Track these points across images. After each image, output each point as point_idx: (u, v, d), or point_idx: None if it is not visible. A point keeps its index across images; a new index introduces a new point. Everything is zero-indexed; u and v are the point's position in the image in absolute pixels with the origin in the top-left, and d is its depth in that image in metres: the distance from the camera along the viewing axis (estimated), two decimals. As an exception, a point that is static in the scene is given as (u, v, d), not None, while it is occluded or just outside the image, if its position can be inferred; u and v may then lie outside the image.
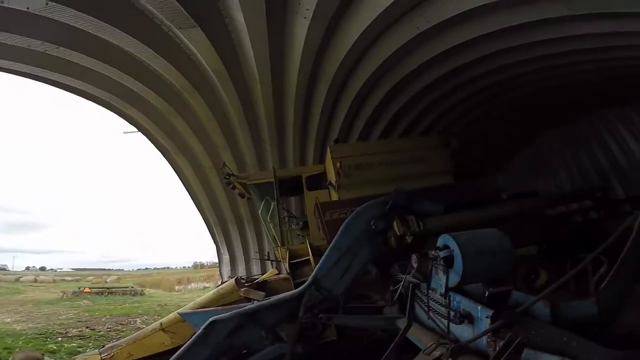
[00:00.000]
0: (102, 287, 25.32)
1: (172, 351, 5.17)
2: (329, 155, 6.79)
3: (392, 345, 2.68)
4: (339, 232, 3.99)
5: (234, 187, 7.85)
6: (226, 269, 12.75)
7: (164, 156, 11.20)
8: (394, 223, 5.09)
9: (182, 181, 11.67)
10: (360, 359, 5.05)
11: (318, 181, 7.33)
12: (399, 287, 3.32)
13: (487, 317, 2.17)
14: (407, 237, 5.33)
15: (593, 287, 2.26)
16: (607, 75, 7.94)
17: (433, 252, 2.65)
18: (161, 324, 5.56)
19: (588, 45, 6.64)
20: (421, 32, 6.52)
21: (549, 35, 6.34)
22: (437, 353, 2.31)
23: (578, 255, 2.78)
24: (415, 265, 2.81)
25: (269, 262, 10.76)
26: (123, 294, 22.76)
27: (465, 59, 7.50)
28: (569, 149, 12.74)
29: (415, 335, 2.88)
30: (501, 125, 11.72)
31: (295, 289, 4.35)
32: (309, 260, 5.58)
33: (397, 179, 6.52)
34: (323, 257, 3.97)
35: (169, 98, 8.92)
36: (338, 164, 6.33)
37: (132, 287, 25.43)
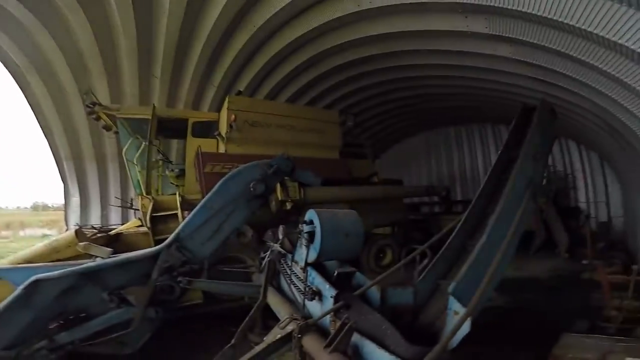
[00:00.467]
0: None
1: None
2: (225, 105, 6.35)
3: (246, 319, 2.64)
4: (213, 189, 3.65)
5: (98, 118, 6.52)
6: (74, 215, 10.54)
7: (12, 75, 8.43)
8: (277, 188, 5.12)
9: (30, 105, 9.00)
10: (228, 323, 5.10)
11: (207, 129, 6.70)
12: (267, 255, 3.29)
13: (331, 296, 2.31)
14: (287, 203, 5.45)
15: (416, 277, 2.63)
16: (474, 97, 9.54)
17: (300, 226, 2.66)
18: None
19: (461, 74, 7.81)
20: (362, 10, 6.38)
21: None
22: (289, 328, 2.34)
23: (412, 246, 3.23)
24: (281, 236, 2.77)
25: (133, 211, 9.53)
26: None
27: (370, 51, 7.84)
28: (434, 151, 15.34)
29: (276, 306, 2.90)
30: (390, 119, 13.10)
31: (155, 246, 3.84)
32: (176, 215, 5.02)
33: (289, 144, 6.59)
34: (190, 214, 3.57)
35: (39, 11, 6.95)
36: (233, 116, 5.98)
37: None
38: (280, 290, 3.45)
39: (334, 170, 6.84)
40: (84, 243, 4.09)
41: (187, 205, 5.10)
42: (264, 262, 3.37)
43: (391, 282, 2.60)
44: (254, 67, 8.88)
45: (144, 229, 5.33)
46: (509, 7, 4.18)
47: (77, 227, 5.09)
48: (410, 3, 5.61)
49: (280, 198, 5.18)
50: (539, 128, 3.86)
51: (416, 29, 6.28)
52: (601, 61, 4.23)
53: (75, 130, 9.63)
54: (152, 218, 4.94)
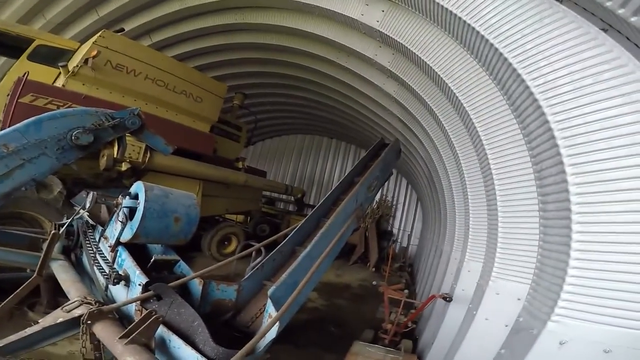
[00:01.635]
0: None
1: None
2: (94, 37, 5.32)
3: (11, 296, 2.06)
4: (17, 125, 2.75)
5: None
6: None
7: None
8: (114, 143, 4.33)
9: None
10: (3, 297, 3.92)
11: (54, 57, 5.41)
12: (68, 221, 2.65)
13: (140, 284, 2.07)
14: (124, 163, 4.68)
15: (247, 274, 2.66)
16: (351, 117, 10.69)
17: (120, 197, 2.28)
18: None
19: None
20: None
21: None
22: (77, 312, 1.98)
23: (247, 242, 3.29)
24: (89, 204, 2.29)
25: None
26: None
27: (278, 40, 7.77)
28: (304, 154, 16.48)
29: (67, 284, 2.40)
30: (275, 111, 13.29)
31: None
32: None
33: (154, 101, 5.78)
34: None
35: None
36: (94, 51, 4.97)
37: None
38: (79, 266, 2.88)
39: (197, 143, 6.35)
40: None
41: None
42: (63, 228, 2.72)
43: (220, 276, 2.54)
44: (157, 10, 7.59)
45: None
46: (412, 49, 4.58)
47: None
48: (342, 14, 5.51)
49: (115, 156, 4.40)
50: (382, 164, 4.59)
51: (332, 38, 6.39)
52: (437, 106, 5.02)
53: None
54: None
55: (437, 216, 8.05)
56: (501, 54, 2.85)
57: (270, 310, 2.33)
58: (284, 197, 13.77)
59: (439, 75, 4.39)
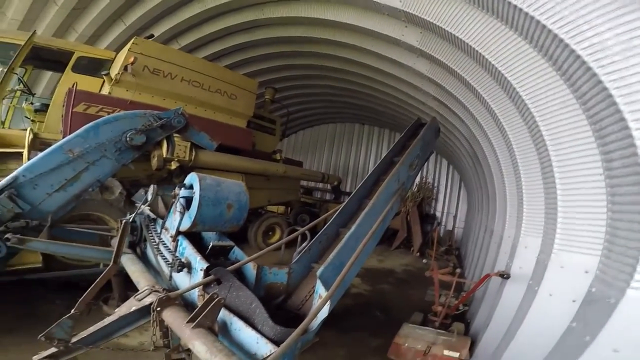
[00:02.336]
0: None
1: None
2: (128, 45, 5.57)
3: (90, 288, 2.25)
4: (77, 131, 3.01)
5: None
6: None
7: None
8: (163, 143, 4.60)
9: None
10: (71, 292, 4.40)
11: (95, 67, 5.82)
12: (132, 216, 2.86)
13: (201, 269, 2.18)
14: (173, 162, 4.97)
15: (295, 258, 2.71)
16: (382, 101, 10.45)
17: (177, 189, 2.42)
18: None
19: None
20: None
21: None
22: (148, 300, 2.11)
23: (293, 227, 3.34)
24: (149, 197, 2.45)
25: None
26: None
27: (303, 32, 7.77)
28: (336, 143, 16.44)
29: (136, 275, 2.57)
30: (307, 103, 13.40)
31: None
32: (21, 154, 4.01)
33: (193, 102, 6.07)
34: (39, 155, 2.84)
35: None
36: (132, 58, 5.24)
37: None
38: (145, 259, 3.12)
39: (237, 139, 6.58)
40: None
41: (39, 144, 4.13)
42: (123, 223, 2.96)
43: (274, 262, 2.62)
44: (180, 15, 7.90)
45: None
46: (442, 26, 4.39)
47: None
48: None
49: (165, 155, 4.69)
50: (422, 143, 4.43)
51: (355, 24, 6.28)
52: (477, 82, 4.76)
53: None
54: None
55: (484, 195, 7.67)
56: (539, 22, 2.67)
57: (320, 291, 2.36)
58: (321, 186, 13.91)
59: (473, 49, 4.13)
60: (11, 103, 6.27)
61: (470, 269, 7.76)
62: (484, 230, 7.25)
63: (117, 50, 6.57)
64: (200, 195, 2.25)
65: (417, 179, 12.63)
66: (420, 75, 6.57)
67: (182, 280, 2.41)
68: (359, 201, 3.68)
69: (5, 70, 4.89)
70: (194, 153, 5.27)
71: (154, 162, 4.57)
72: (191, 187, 2.41)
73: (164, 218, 2.77)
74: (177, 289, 2.41)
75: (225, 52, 9.36)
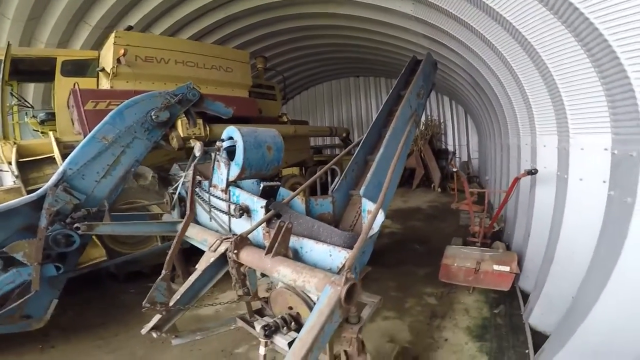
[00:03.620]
0: None
1: None
2: (109, 41, 5.52)
3: (174, 242, 2.40)
4: (104, 119, 3.12)
5: None
6: None
7: None
8: (179, 123, 4.71)
9: None
10: (140, 282, 4.75)
11: (81, 69, 5.87)
12: (179, 184, 3.03)
13: (262, 207, 2.33)
14: (191, 140, 5.10)
15: (331, 190, 2.89)
16: (373, 50, 10.19)
17: (217, 143, 2.55)
18: None
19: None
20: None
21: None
22: (222, 248, 2.26)
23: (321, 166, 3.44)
24: (198, 153, 2.57)
25: None
26: None
27: None
28: (336, 99, 16.42)
29: (200, 237, 2.74)
30: (300, 65, 13.17)
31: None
32: (52, 158, 4.19)
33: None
34: (77, 148, 2.99)
35: None
36: (122, 50, 5.20)
37: None
38: (198, 223, 3.33)
39: (243, 108, 6.64)
40: None
41: (64, 148, 4.29)
42: (176, 194, 3.14)
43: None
44: (147, 5, 7.71)
45: (7, 186, 4.32)
46: None
47: None
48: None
49: (183, 135, 4.82)
50: (423, 75, 4.72)
51: None
52: (472, 19, 4.81)
53: None
54: (21, 164, 4.01)
55: (493, 119, 7.69)
56: None
57: (368, 207, 2.55)
58: (329, 142, 13.99)
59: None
60: (12, 120, 6.24)
61: (495, 193, 7.94)
62: (500, 149, 7.34)
63: (93, 49, 6.51)
64: (243, 141, 2.38)
65: (423, 118, 12.62)
66: (406, 16, 6.52)
67: (242, 226, 2.59)
68: (379, 131, 3.86)
69: (1, 85, 4.89)
70: (208, 129, 5.39)
71: (174, 143, 4.70)
72: (230, 138, 2.54)
73: (207, 179, 2.93)
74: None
75: (204, 31, 9.13)
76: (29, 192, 3.78)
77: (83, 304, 4.28)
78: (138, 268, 4.79)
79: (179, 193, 3.23)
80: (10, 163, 4.31)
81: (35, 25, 7.40)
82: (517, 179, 4.43)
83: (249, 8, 8.32)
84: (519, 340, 3.24)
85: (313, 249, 2.04)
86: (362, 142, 3.40)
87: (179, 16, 8.26)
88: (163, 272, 2.21)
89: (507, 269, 3.86)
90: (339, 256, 1.89)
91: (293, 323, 2.14)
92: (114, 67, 5.23)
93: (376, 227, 2.01)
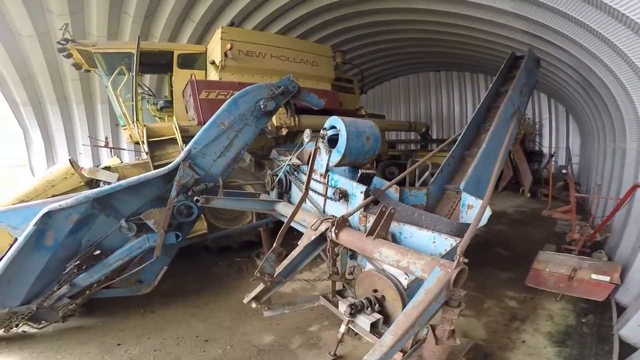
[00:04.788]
0: None
1: None
2: (216, 36, 6.18)
3: (286, 222, 2.57)
4: (222, 107, 3.55)
5: (70, 56, 6.22)
6: (38, 163, 9.81)
7: None
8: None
9: None
10: (230, 255, 5.24)
11: (191, 61, 6.63)
12: (282, 167, 3.36)
13: (361, 192, 2.47)
14: (283, 129, 5.53)
15: (429, 182, 2.90)
16: (460, 44, 9.65)
17: (321, 131, 2.76)
18: None
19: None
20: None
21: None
22: (322, 228, 2.42)
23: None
24: (307, 139, 2.79)
25: (109, 151, 9.29)
26: None
27: None
28: (413, 93, 15.90)
29: (299, 216, 2.90)
30: (377, 59, 13.10)
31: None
32: (173, 140, 4.92)
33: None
34: (200, 131, 3.48)
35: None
36: (229, 45, 5.80)
37: None
38: (289, 202, 3.65)
39: (327, 101, 6.93)
40: (89, 167, 3.86)
41: (182, 130, 5.01)
42: (277, 177, 3.49)
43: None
44: (240, 2, 8.50)
45: (134, 161, 5.12)
46: None
47: (69, 159, 4.79)
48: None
49: (276, 123, 5.23)
50: (525, 71, 4.47)
51: None
52: (585, 17, 4.45)
53: (32, 75, 8.77)
54: (150, 143, 4.77)
55: (605, 119, 6.71)
56: None
57: (468, 201, 2.51)
58: (403, 136, 13.63)
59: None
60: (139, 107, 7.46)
61: (598, 203, 6.96)
62: (612, 153, 6.39)
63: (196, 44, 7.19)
64: (347, 131, 2.55)
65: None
66: (503, 12, 6.20)
67: (336, 208, 2.78)
68: (476, 127, 3.73)
69: (134, 75, 5.79)
70: (296, 119, 5.77)
71: (269, 130, 5.14)
72: (332, 127, 2.74)
73: (306, 163, 3.19)
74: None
75: (288, 27, 9.65)
76: (155, 167, 4.44)
77: (181, 273, 4.72)
78: (229, 243, 5.31)
79: (275, 175, 3.58)
80: (141, 142, 5.18)
81: (150, 21, 8.62)
82: (636, 187, 3.88)
83: (328, 4, 8.61)
84: (604, 349, 3.07)
85: (414, 235, 2.12)
86: (460, 137, 3.32)
87: (267, 12, 8.92)
88: (275, 244, 2.42)
89: (607, 279, 3.68)
90: (444, 243, 1.95)
91: (377, 305, 2.28)
92: (222, 60, 5.86)
93: (484, 220, 2.01)
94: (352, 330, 2.41)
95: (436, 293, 1.60)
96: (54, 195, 4.12)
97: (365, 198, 2.45)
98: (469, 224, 1.93)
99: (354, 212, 2.40)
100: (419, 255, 1.84)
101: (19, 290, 2.87)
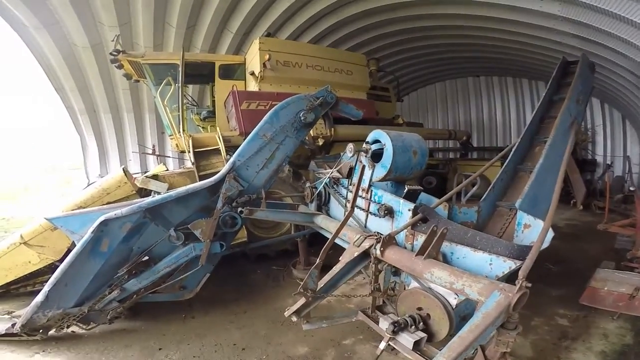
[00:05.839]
0: None
1: (44, 272, 4.24)
2: (254, 46, 6.35)
3: (331, 238, 2.50)
4: (264, 119, 3.62)
5: (121, 66, 6.67)
6: (93, 168, 10.61)
7: (15, 31, 8.07)
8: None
9: (40, 63, 8.76)
10: (267, 263, 5.30)
11: (232, 72, 6.82)
12: (323, 181, 3.34)
13: (409, 210, 2.39)
14: (319, 139, 5.53)
15: (463, 202, 2.73)
16: (503, 49, 9.25)
17: (364, 145, 2.71)
18: (22, 236, 4.20)
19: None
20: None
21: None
22: (366, 244, 2.36)
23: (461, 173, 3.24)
24: (350, 154, 2.76)
25: (155, 158, 9.84)
26: (-54, 207, 16.27)
27: None
28: (451, 99, 15.36)
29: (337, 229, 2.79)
30: (412, 65, 12.87)
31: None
32: (217, 150, 5.09)
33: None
34: (244, 143, 3.57)
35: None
36: (267, 56, 5.93)
37: (-41, 199, 18.23)
38: (328, 215, 3.62)
39: (362, 110, 6.88)
40: (142, 177, 4.09)
41: (224, 141, 5.17)
42: (317, 190, 3.48)
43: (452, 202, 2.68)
44: (274, 12, 8.75)
45: (180, 170, 5.34)
46: None
47: (122, 167, 5.11)
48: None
49: (312, 134, 5.25)
50: (581, 78, 4.21)
51: None
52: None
53: (88, 84, 9.58)
54: (195, 154, 4.97)
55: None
56: None
57: (525, 220, 2.34)
58: (441, 145, 13.19)
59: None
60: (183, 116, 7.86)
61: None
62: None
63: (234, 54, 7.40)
64: (393, 145, 2.49)
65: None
66: (551, 16, 5.99)
67: (380, 225, 2.71)
68: (530, 139, 3.48)
69: (179, 86, 6.00)
70: (333, 129, 5.77)
71: (305, 141, 5.16)
72: (375, 142, 2.68)
73: (346, 177, 3.15)
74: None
75: (319, 36, 9.76)
76: (200, 178, 4.61)
77: (221, 280, 4.74)
78: (266, 251, 5.37)
79: (314, 188, 3.57)
80: (187, 152, 5.39)
81: (192, 32, 9.06)
82: None
83: (358, 12, 8.60)
84: (663, 370, 2.69)
85: (467, 256, 2.02)
86: (513, 150, 3.14)
87: (299, 22, 9.09)
88: (318, 260, 2.40)
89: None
90: (502, 265, 1.85)
91: (421, 323, 2.17)
92: (261, 70, 6.00)
93: (547, 241, 1.87)
94: (390, 346, 2.33)
95: (495, 317, 1.55)
96: (108, 203, 4.37)
97: (413, 215, 2.36)
98: (529, 246, 1.81)
99: (401, 231, 2.32)
100: (475, 278, 1.75)
101: (73, 292, 3.04)
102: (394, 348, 2.32)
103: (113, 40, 6.61)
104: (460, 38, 9.38)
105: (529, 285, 1.58)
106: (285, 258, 5.32)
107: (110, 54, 6.39)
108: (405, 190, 2.62)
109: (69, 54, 8.69)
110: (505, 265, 1.84)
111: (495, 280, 1.83)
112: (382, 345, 2.46)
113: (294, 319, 2.67)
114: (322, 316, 3.01)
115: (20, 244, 4.11)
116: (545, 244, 1.91)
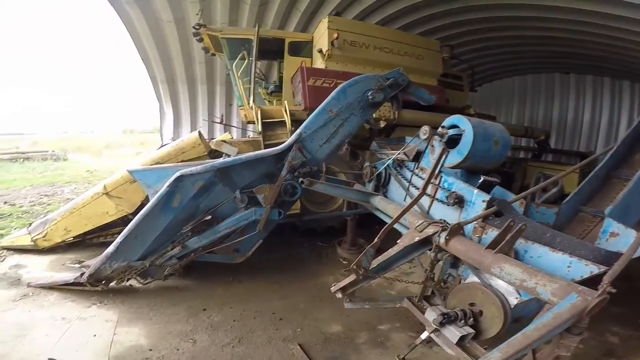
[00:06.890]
0: (16, 153, 19.63)
1: (117, 224, 4.58)
2: (322, 25, 6.35)
3: (393, 220, 2.46)
4: (331, 95, 3.64)
5: (201, 40, 7.11)
6: (167, 132, 11.60)
7: (112, 5, 8.97)
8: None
9: (131, 35, 9.72)
10: (312, 237, 5.43)
11: (299, 49, 6.94)
12: (386, 161, 3.29)
13: (483, 201, 2.26)
14: (381, 121, 5.42)
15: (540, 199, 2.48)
16: (601, 45, 8.05)
17: (440, 129, 2.59)
18: (105, 186, 4.47)
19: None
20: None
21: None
22: (429, 231, 2.30)
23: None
24: (424, 137, 2.61)
25: (222, 126, 10.51)
26: (43, 159, 18.46)
27: None
28: (531, 95, 13.87)
29: (395, 212, 2.78)
30: (490, 56, 11.83)
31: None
32: (283, 122, 5.24)
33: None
34: (310, 116, 3.64)
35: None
36: (335, 34, 5.91)
37: (54, 152, 20.44)
38: (385, 197, 3.57)
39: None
40: (215, 140, 4.39)
41: (290, 114, 5.30)
42: (377, 170, 3.45)
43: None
44: None
45: (246, 138, 5.59)
46: None
47: (197, 130, 5.51)
48: None
49: (375, 116, 5.15)
50: None
51: None
52: None
53: (169, 57, 10.40)
54: (263, 124, 5.19)
55: None
56: None
57: (612, 229, 2.11)
58: (512, 142, 12.09)
59: None
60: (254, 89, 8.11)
61: None
62: None
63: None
64: (473, 132, 2.35)
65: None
66: None
67: (446, 213, 2.59)
68: (630, 144, 3.04)
69: (253, 60, 6.30)
70: (397, 112, 5.60)
71: (370, 120, 5.07)
72: (451, 127, 2.55)
73: (412, 161, 3.06)
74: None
75: (388, 18, 9.26)
76: (265, 146, 4.80)
77: (269, 248, 4.77)
78: (315, 226, 5.50)
79: (375, 168, 3.53)
80: (256, 122, 5.62)
81: (264, 10, 9.26)
82: None
83: None
84: None
85: (543, 256, 1.88)
86: (609, 155, 2.79)
87: (367, 3, 8.74)
88: (376, 239, 2.38)
89: None
90: (583, 269, 1.72)
91: (472, 319, 2.10)
92: (329, 49, 6.00)
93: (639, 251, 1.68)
94: (428, 337, 2.27)
95: (566, 319, 1.49)
96: (182, 161, 4.67)
97: (487, 208, 2.22)
98: (618, 253, 1.64)
99: (472, 221, 2.21)
100: (551, 278, 1.63)
101: (140, 246, 3.20)
102: (430, 340, 2.29)
103: (197, 14, 7.05)
104: (550, 31, 8.34)
105: (613, 291, 1.50)
106: (330, 236, 5.41)
107: (193, 27, 6.80)
108: (480, 180, 2.45)
109: (155, 28, 9.48)
110: (586, 269, 1.70)
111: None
112: (424, 335, 2.40)
113: (339, 295, 2.69)
114: (366, 297, 3.04)
115: (103, 194, 4.45)
116: (639, 253, 1.71)
